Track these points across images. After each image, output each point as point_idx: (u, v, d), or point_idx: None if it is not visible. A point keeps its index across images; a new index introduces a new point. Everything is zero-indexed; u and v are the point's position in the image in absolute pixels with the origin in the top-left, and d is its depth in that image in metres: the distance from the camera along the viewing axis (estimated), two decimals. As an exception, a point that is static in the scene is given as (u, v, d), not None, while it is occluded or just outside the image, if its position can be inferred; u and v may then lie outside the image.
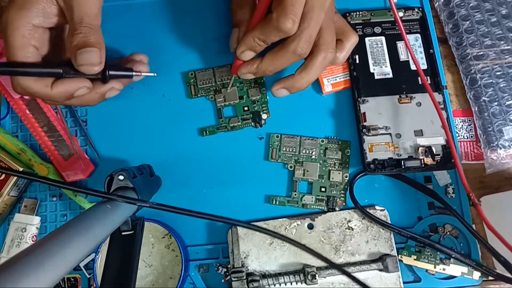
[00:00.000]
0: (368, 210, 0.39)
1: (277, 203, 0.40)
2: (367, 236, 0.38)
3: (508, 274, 0.34)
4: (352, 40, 0.39)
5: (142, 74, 0.38)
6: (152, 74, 0.39)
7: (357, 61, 0.42)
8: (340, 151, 0.41)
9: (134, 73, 0.37)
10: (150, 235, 0.40)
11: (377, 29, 0.43)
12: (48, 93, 0.33)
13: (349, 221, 0.39)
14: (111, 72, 0.35)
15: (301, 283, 0.37)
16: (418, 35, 0.43)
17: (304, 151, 0.41)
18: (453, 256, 0.37)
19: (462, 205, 0.40)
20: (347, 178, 0.40)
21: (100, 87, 0.35)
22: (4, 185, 0.40)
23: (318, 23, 0.33)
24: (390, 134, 0.40)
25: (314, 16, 0.32)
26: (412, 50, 0.41)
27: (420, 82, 0.41)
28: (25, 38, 0.31)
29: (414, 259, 0.38)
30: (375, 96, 0.41)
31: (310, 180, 0.40)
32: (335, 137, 0.41)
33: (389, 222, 0.39)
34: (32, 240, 0.40)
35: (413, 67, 0.41)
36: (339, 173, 0.40)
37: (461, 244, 0.39)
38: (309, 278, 0.36)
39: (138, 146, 0.42)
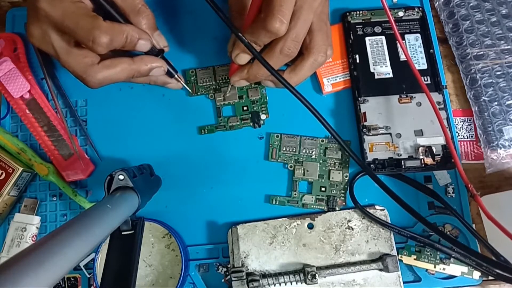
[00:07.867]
0: (368, 209, 0.39)
1: (277, 203, 0.40)
2: (367, 236, 0.38)
3: (508, 274, 0.34)
4: (310, 60, 0.36)
5: (182, 81, 0.39)
6: (189, 90, 0.41)
7: (357, 61, 0.42)
8: (340, 150, 0.41)
9: (177, 75, 0.38)
10: (150, 235, 0.40)
11: (378, 29, 0.43)
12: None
13: (349, 220, 0.39)
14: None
15: (301, 283, 0.37)
16: (418, 35, 0.43)
17: (304, 151, 0.41)
18: (453, 255, 0.37)
19: (462, 204, 0.40)
20: (347, 178, 0.40)
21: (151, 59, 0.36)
22: (4, 185, 0.40)
23: (306, 23, 0.33)
24: (390, 134, 0.40)
25: (301, 16, 0.32)
26: (408, 52, 0.40)
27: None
28: None
29: (414, 259, 0.38)
30: (375, 96, 0.41)
31: (310, 179, 0.40)
32: (335, 137, 0.41)
33: (389, 221, 0.39)
34: (32, 240, 0.40)
35: (413, 66, 0.41)
36: (339, 173, 0.40)
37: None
38: (309, 278, 0.36)
39: (138, 146, 0.42)
